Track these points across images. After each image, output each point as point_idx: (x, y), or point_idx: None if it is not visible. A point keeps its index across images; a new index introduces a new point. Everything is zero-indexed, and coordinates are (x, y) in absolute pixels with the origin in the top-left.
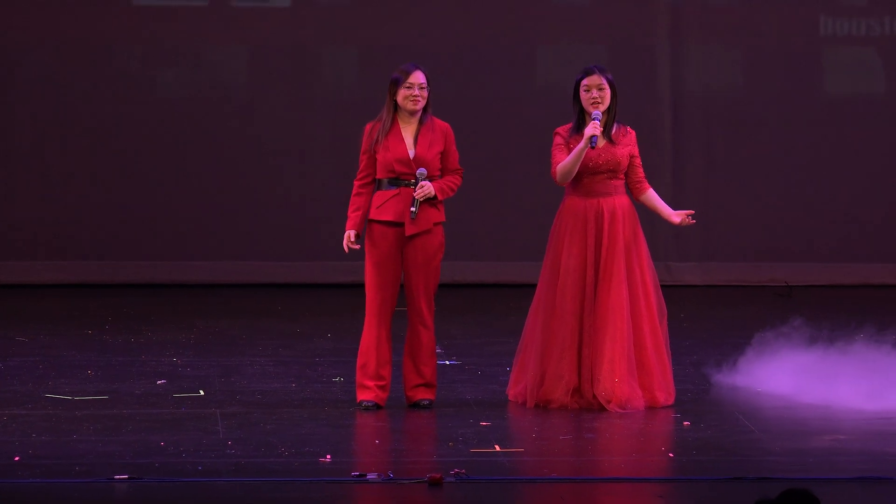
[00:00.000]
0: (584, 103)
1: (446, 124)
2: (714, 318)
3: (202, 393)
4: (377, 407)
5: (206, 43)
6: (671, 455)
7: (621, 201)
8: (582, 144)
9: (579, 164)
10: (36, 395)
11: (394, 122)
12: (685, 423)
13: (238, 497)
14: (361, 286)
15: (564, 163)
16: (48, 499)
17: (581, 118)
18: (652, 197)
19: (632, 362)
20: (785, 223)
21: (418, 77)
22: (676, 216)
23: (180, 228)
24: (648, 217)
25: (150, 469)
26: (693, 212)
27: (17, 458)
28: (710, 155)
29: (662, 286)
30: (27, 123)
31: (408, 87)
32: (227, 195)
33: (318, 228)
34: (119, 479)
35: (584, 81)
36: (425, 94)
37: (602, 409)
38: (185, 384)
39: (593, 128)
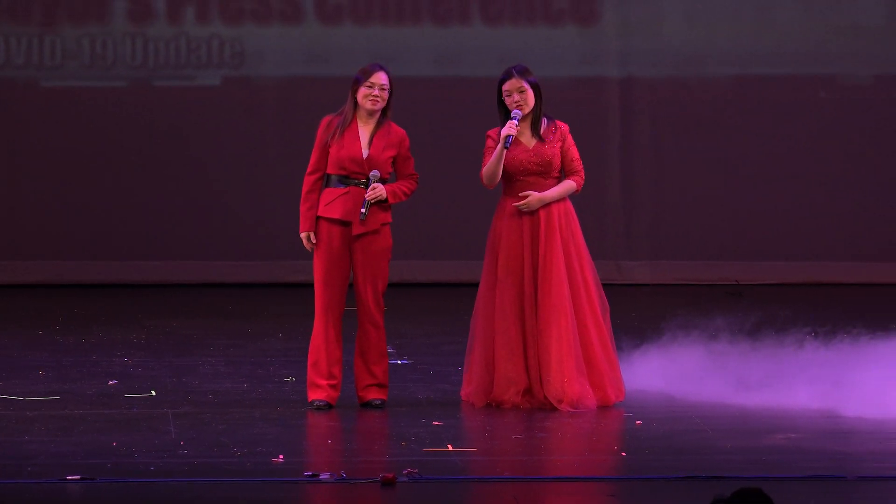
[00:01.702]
0: (508, 106)
1: (402, 130)
2: (664, 318)
3: (154, 393)
4: (329, 406)
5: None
6: (623, 454)
7: (556, 201)
8: (499, 146)
9: (501, 165)
10: None
11: (353, 119)
12: (637, 422)
13: (191, 497)
14: (311, 285)
15: (487, 166)
16: None
17: (505, 119)
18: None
19: (580, 360)
20: (735, 222)
21: (380, 77)
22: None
23: (131, 229)
24: (598, 215)
25: (103, 469)
26: (523, 200)
27: None
28: (658, 153)
29: (613, 285)
30: None
31: (368, 87)
32: (177, 196)
33: (269, 228)
34: (71, 479)
35: (505, 86)
36: (385, 95)
37: (554, 408)
38: (136, 384)
39: (509, 128)
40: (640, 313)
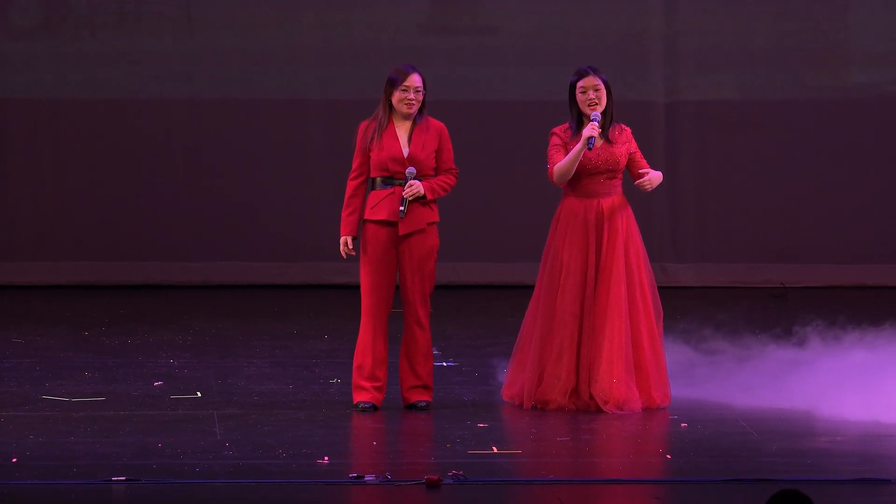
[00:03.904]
0: (581, 105)
1: (441, 124)
2: (709, 320)
3: (199, 394)
4: (374, 408)
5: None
6: (668, 457)
7: (619, 201)
8: (580, 146)
9: (576, 164)
10: (33, 396)
11: (389, 121)
12: (682, 424)
13: (235, 499)
14: (357, 287)
15: (562, 164)
16: (45, 500)
17: (579, 120)
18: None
19: (629, 362)
20: (780, 224)
21: (414, 80)
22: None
23: (176, 229)
24: (645, 218)
25: (148, 471)
26: (647, 176)
27: (14, 460)
28: (704, 156)
29: (658, 287)
30: (22, 124)
31: (403, 90)
32: (223, 196)
33: (313, 229)
34: (116, 480)
35: (580, 83)
36: (420, 97)
37: (599, 410)
38: (181, 385)
39: (591, 129)
40: (685, 315)
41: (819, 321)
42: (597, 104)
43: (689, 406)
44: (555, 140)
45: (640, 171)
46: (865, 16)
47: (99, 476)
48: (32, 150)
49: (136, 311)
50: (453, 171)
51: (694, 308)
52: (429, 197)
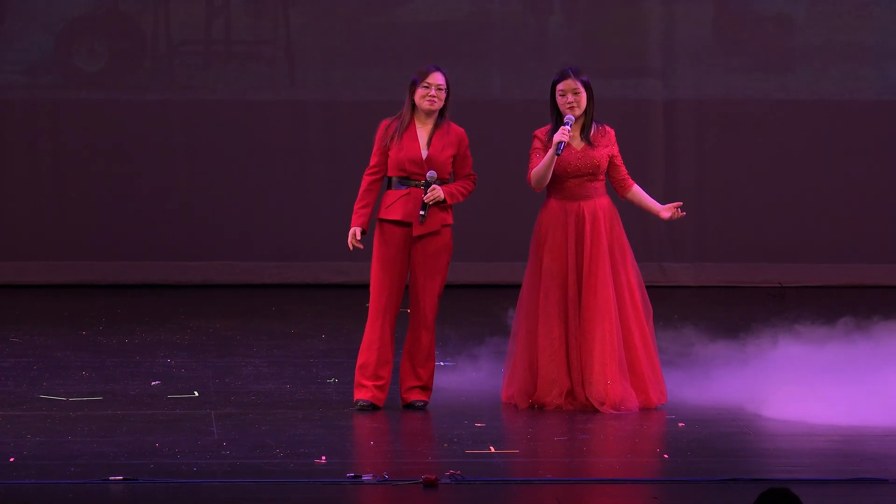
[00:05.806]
0: (561, 107)
1: (461, 130)
2: (708, 319)
3: (196, 394)
4: (373, 407)
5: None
6: (665, 456)
7: (602, 203)
8: (551, 151)
9: (552, 169)
10: (30, 395)
11: (411, 121)
12: (679, 424)
13: (233, 498)
14: (356, 287)
15: (537, 169)
16: (43, 500)
17: (558, 121)
18: (638, 193)
19: (622, 363)
20: (779, 224)
21: (436, 78)
22: (666, 211)
23: (173, 229)
24: (642, 217)
25: (145, 470)
26: (681, 203)
27: (11, 459)
28: (702, 155)
29: (657, 287)
30: (22, 124)
31: (425, 87)
32: (221, 196)
33: (312, 229)
34: (114, 480)
35: (560, 86)
36: (442, 95)
37: (596, 410)
38: (179, 385)
39: (562, 134)
40: (683, 315)
41: (817, 321)
42: (575, 107)
43: (687, 405)
44: (536, 143)
45: (623, 178)
46: (867, 16)
47: (96, 475)
48: (32, 150)
49: (133, 310)
50: (472, 178)
51: (692, 307)
52: (448, 202)
